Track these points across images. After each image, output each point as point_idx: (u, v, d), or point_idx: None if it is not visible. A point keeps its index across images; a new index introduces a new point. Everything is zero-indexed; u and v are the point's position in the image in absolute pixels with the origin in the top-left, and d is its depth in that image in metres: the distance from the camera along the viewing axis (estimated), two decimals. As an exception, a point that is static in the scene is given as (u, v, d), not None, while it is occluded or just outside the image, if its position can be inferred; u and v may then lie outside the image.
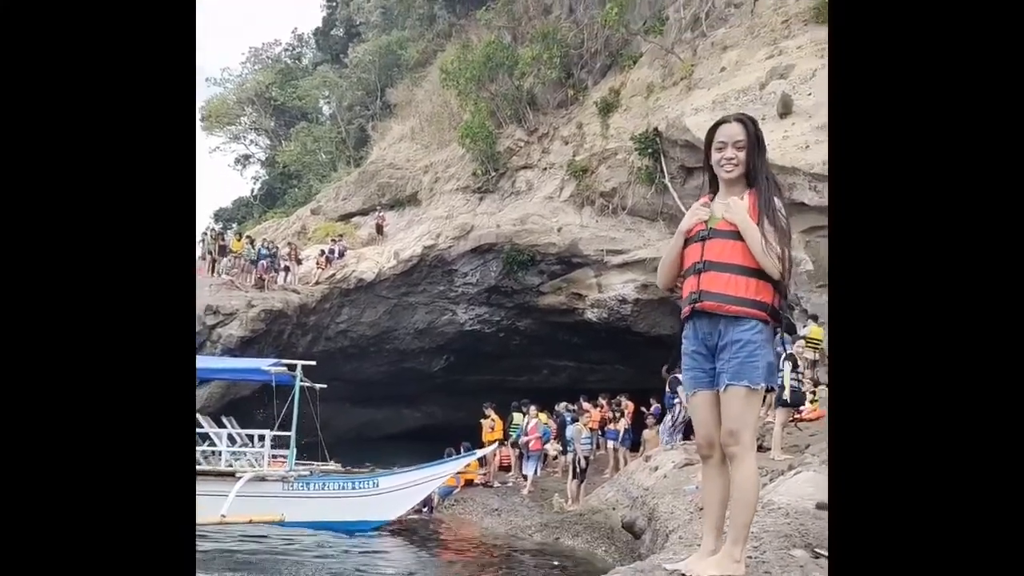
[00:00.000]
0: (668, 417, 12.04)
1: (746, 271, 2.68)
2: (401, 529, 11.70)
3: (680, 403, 11.82)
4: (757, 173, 2.78)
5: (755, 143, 2.78)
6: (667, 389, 12.37)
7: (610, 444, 13.47)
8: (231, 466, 12.40)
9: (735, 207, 2.71)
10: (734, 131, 2.80)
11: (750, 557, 2.94)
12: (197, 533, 8.98)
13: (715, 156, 2.83)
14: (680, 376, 12.56)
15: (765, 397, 4.32)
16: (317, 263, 21.69)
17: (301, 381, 12.55)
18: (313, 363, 13.42)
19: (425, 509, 12.70)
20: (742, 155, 2.77)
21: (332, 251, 22.15)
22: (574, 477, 12.09)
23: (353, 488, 11.89)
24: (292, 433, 12.12)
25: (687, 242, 2.85)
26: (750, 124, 2.82)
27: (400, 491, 11.76)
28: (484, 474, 14.72)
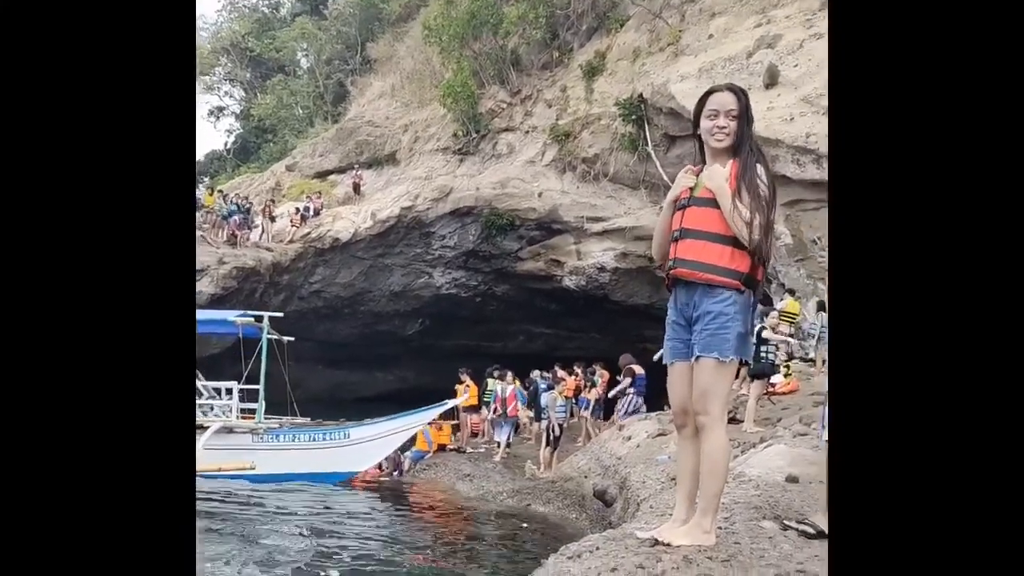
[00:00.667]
0: (620, 403, 12.09)
1: (721, 239, 2.68)
2: (370, 490, 11.65)
3: (631, 391, 12.02)
4: (742, 143, 2.77)
5: (745, 114, 2.78)
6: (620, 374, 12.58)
7: (584, 413, 13.50)
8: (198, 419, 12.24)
9: (713, 173, 2.72)
10: (727, 100, 2.78)
11: (720, 527, 2.97)
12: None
13: (706, 124, 2.81)
14: (630, 363, 12.86)
15: (739, 371, 4.32)
16: (291, 221, 21.30)
17: (268, 333, 12.35)
18: (280, 314, 13.22)
19: (396, 473, 12.66)
20: (733, 124, 2.76)
21: (308, 208, 21.74)
22: (547, 444, 11.99)
23: (324, 439, 11.82)
24: (260, 386, 11.96)
25: (676, 210, 2.85)
26: (742, 95, 2.81)
27: (371, 442, 11.72)
28: (457, 439, 14.69)
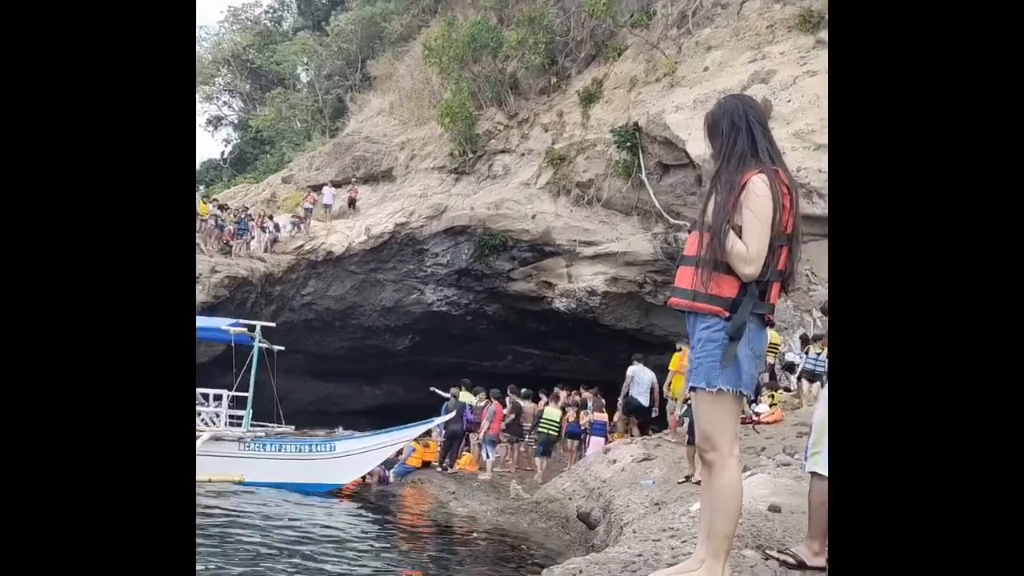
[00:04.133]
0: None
1: (704, 263, 2.50)
2: (355, 501, 11.69)
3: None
4: (725, 160, 2.59)
5: (717, 129, 2.64)
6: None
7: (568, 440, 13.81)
8: None
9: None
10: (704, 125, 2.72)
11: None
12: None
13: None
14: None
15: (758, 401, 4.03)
16: (298, 221, 21.80)
17: (260, 342, 12.43)
18: (272, 324, 13.33)
19: (382, 482, 12.71)
20: (714, 143, 2.66)
21: (309, 209, 22.05)
22: (542, 453, 13.08)
23: (310, 451, 11.86)
24: (249, 393, 12.02)
25: None
26: (709, 114, 2.70)
27: (356, 455, 11.78)
28: (442, 454, 14.73)
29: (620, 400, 12.47)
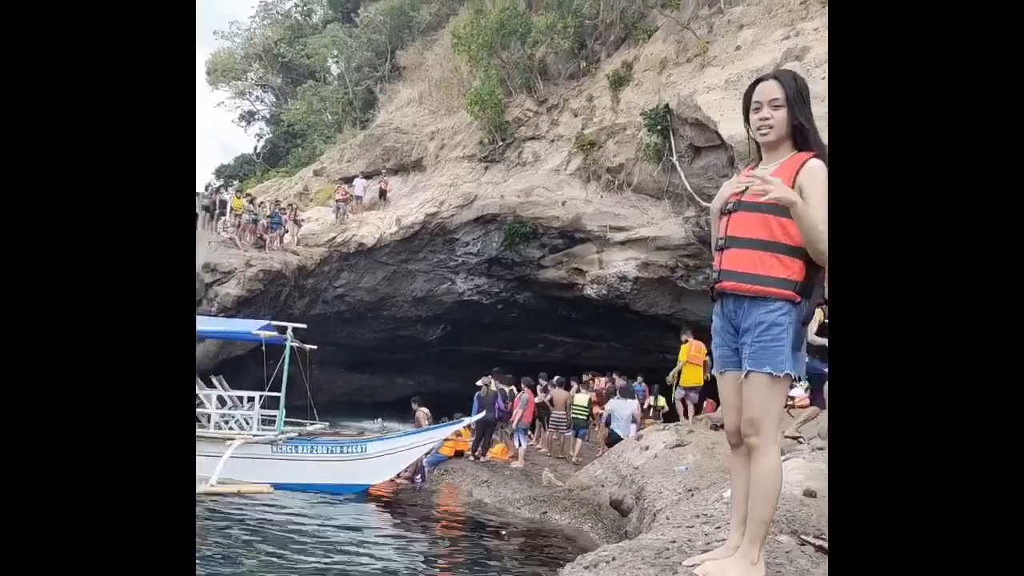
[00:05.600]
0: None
1: (770, 246, 2.44)
2: (389, 499, 11.73)
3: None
4: (805, 134, 2.49)
5: (797, 101, 2.49)
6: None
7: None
8: (220, 428, 12.40)
9: (776, 186, 2.37)
10: (769, 89, 2.53)
11: (736, 543, 2.88)
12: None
13: (752, 119, 2.58)
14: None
15: (793, 385, 4.01)
16: (343, 204, 22.17)
17: (292, 342, 12.49)
18: (304, 325, 13.35)
19: (418, 478, 12.72)
20: (779, 115, 2.50)
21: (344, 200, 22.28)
22: (576, 436, 14.20)
23: (342, 452, 11.91)
24: (281, 394, 12.09)
25: (721, 216, 2.65)
26: (789, 81, 2.53)
27: (388, 456, 11.80)
28: (474, 443, 14.72)
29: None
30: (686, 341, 11.66)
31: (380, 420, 14.50)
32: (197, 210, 20.70)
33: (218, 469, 10.59)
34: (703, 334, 15.06)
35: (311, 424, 12.98)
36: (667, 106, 16.66)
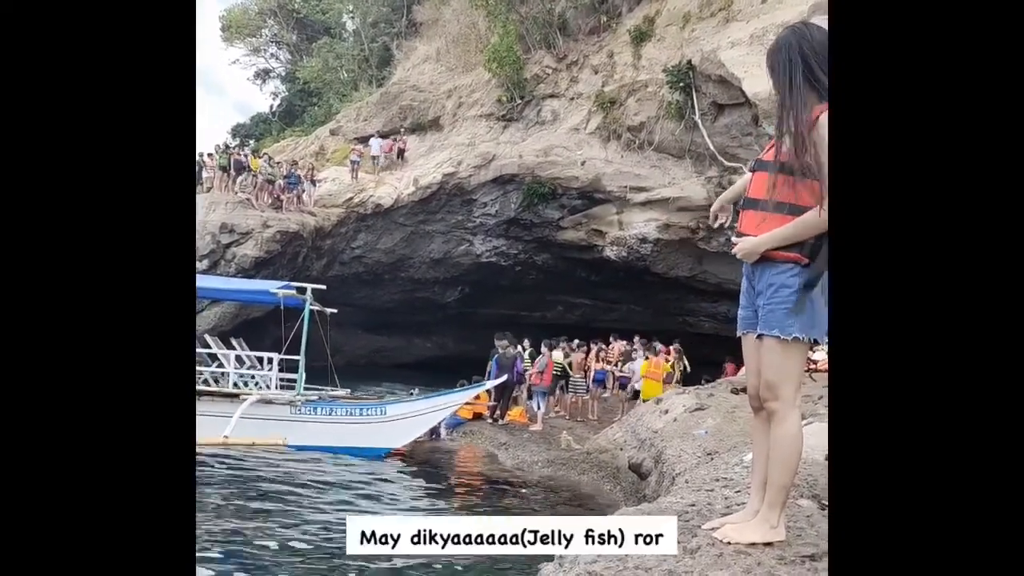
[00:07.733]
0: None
1: (781, 207, 2.40)
2: (406, 457, 11.79)
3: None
4: (787, 89, 2.41)
5: (783, 66, 2.42)
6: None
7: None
8: (238, 388, 12.44)
9: (741, 245, 2.48)
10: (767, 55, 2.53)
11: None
12: (200, 453, 9.11)
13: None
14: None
15: (813, 348, 3.88)
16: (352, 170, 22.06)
17: (311, 304, 12.43)
18: (323, 287, 13.27)
19: (433, 437, 12.79)
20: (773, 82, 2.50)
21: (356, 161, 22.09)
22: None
23: (361, 415, 11.93)
24: (301, 357, 12.08)
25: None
26: (777, 47, 2.46)
27: (408, 419, 11.80)
28: (493, 406, 14.75)
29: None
30: (648, 359, 12.51)
31: (416, 390, 14.41)
32: (216, 170, 20.68)
33: (233, 421, 10.62)
34: (663, 339, 15.24)
35: (332, 390, 12.99)
36: (690, 62, 16.21)
